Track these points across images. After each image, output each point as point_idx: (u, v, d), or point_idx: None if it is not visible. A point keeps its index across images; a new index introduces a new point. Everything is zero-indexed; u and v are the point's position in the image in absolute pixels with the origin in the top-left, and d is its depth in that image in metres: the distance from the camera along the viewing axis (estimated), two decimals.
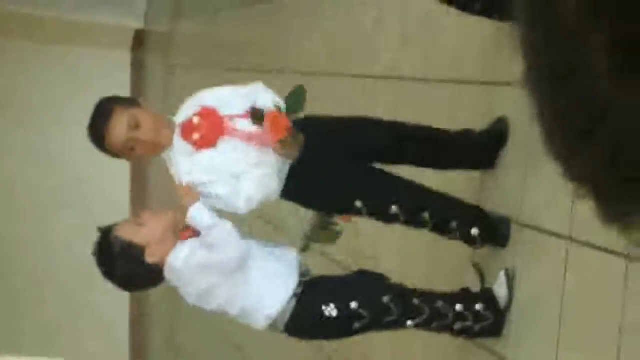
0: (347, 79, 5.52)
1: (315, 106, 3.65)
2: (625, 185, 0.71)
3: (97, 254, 3.43)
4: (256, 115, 3.47)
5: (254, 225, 5.87)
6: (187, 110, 3.58)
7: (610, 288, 3.00)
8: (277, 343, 3.76)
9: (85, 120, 3.58)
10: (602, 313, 3.06)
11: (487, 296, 3.53)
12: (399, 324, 3.44)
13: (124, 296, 10.27)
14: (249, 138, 3.48)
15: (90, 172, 12.07)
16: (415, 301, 3.43)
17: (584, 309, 3.16)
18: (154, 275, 3.42)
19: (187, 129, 3.52)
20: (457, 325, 3.47)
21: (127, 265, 3.37)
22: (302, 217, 3.60)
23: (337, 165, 3.55)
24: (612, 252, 2.98)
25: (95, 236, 3.45)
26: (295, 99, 3.51)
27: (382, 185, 3.54)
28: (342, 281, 3.54)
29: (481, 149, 3.69)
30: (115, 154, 3.55)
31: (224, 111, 3.53)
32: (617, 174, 0.71)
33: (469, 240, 3.57)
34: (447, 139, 3.69)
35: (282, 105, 3.52)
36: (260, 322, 3.43)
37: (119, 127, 3.47)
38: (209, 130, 3.50)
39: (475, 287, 3.63)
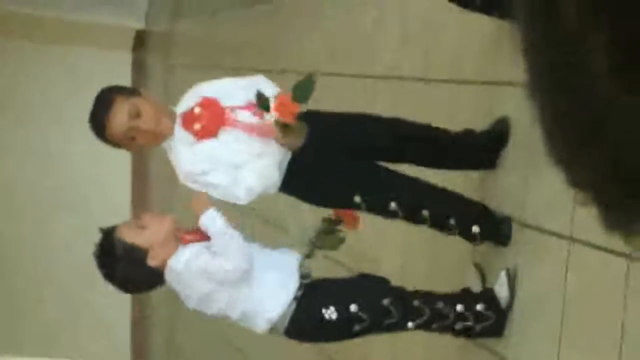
0: (347, 78, 5.52)
1: (315, 106, 3.64)
2: (627, 191, 0.71)
3: (98, 256, 3.42)
4: (262, 101, 3.45)
5: (255, 225, 5.87)
6: (188, 101, 3.59)
7: (611, 287, 3.00)
8: (278, 345, 3.76)
9: (86, 120, 3.58)
10: (603, 312, 3.05)
11: (488, 296, 3.52)
12: (399, 326, 3.44)
13: (125, 298, 10.26)
14: (250, 129, 3.48)
15: (91, 172, 12.08)
16: (416, 303, 3.42)
17: (585, 309, 3.16)
18: (155, 278, 3.41)
19: (188, 119, 3.52)
20: (458, 326, 3.46)
21: (128, 268, 3.36)
22: (305, 220, 3.59)
23: (337, 160, 3.54)
24: (613, 252, 2.97)
25: (95, 236, 3.44)
26: (303, 88, 3.46)
27: (382, 181, 3.54)
28: (342, 284, 3.53)
29: (482, 149, 3.69)
30: (116, 143, 3.55)
31: (225, 102, 3.53)
32: (619, 179, 0.70)
33: (469, 237, 3.56)
34: (448, 139, 3.68)
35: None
36: (261, 325, 3.42)
37: (120, 116, 3.47)
38: (210, 121, 3.50)
39: (477, 288, 3.63)
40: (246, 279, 3.36)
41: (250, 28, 7.91)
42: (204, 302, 3.40)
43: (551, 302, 3.29)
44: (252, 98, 3.50)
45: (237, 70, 6.68)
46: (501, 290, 3.50)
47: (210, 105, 3.53)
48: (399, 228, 3.81)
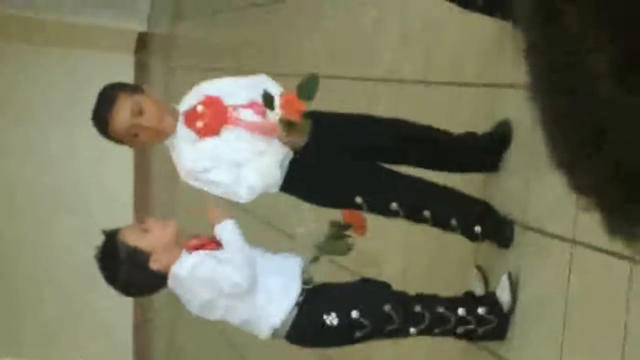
0: (348, 81, 5.51)
1: (316, 108, 3.63)
2: (628, 196, 0.70)
3: (100, 258, 3.41)
4: (267, 99, 3.45)
5: (256, 228, 5.86)
6: (191, 99, 3.60)
7: (614, 290, 2.99)
8: (279, 348, 3.75)
9: (87, 121, 3.58)
10: (606, 315, 3.04)
11: (490, 300, 3.51)
12: (401, 333, 3.42)
13: (127, 301, 10.27)
14: (252, 127, 3.48)
15: (91, 173, 12.10)
16: (417, 308, 3.41)
17: (588, 311, 3.15)
18: (156, 282, 3.41)
19: (191, 117, 3.52)
20: (460, 330, 3.45)
21: (131, 271, 3.35)
22: (309, 223, 3.58)
23: (339, 160, 3.54)
24: (616, 255, 2.96)
25: (96, 238, 3.44)
26: (308, 86, 3.46)
27: (383, 182, 3.53)
28: (344, 290, 3.51)
29: (484, 151, 3.68)
30: (118, 140, 3.56)
31: (227, 101, 3.54)
32: (619, 182, 0.70)
33: (471, 237, 3.56)
34: (450, 141, 3.68)
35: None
36: (264, 331, 3.41)
37: (122, 113, 3.47)
38: (213, 119, 3.50)
39: (479, 290, 3.62)
40: (245, 297, 3.35)
41: (251, 29, 7.91)
42: (205, 309, 3.39)
43: (553, 304, 3.28)
44: (255, 97, 3.50)
45: (237, 72, 6.68)
46: (503, 295, 3.49)
47: (213, 103, 3.53)
48: (400, 227, 3.80)
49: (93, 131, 3.60)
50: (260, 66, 3.76)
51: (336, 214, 3.58)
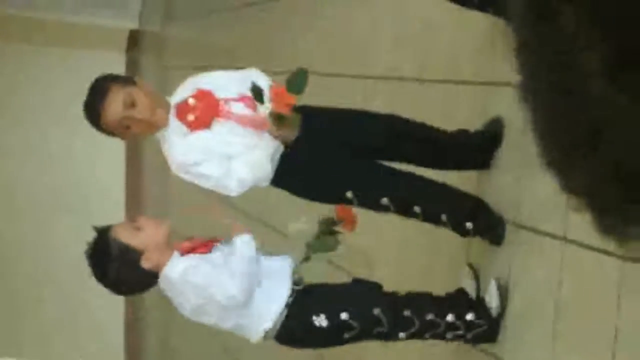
0: (343, 79, 5.51)
1: (309, 105, 3.62)
2: (626, 196, 0.70)
3: (91, 255, 3.40)
4: (257, 93, 3.45)
5: (248, 225, 5.85)
6: (183, 92, 3.59)
7: (605, 288, 2.99)
8: (272, 348, 3.74)
9: (85, 121, 3.57)
10: (597, 313, 3.05)
11: (479, 306, 3.51)
12: (390, 337, 3.42)
13: (118, 299, 10.25)
14: (243, 121, 3.48)
15: (90, 173, 12.08)
16: (406, 313, 3.40)
17: (579, 309, 3.15)
18: (147, 280, 3.40)
19: (182, 110, 3.52)
20: (449, 335, 3.45)
21: (122, 268, 3.34)
22: (300, 221, 3.57)
23: (330, 154, 3.54)
24: (607, 253, 2.97)
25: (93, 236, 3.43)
26: (297, 80, 3.47)
27: (374, 177, 3.53)
28: (334, 291, 3.50)
29: (475, 149, 3.68)
30: (110, 132, 3.55)
31: (219, 94, 3.54)
32: (618, 182, 0.70)
33: (462, 233, 3.56)
34: (443, 139, 3.68)
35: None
36: (255, 336, 3.40)
37: (115, 105, 3.47)
38: (204, 112, 3.50)
39: (470, 288, 3.62)
40: (237, 310, 3.35)
41: (246, 28, 7.89)
42: (196, 313, 3.38)
43: (545, 302, 3.28)
44: (246, 91, 3.50)
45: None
46: (491, 301, 3.49)
47: (204, 96, 3.53)
48: (393, 222, 3.79)
49: (92, 130, 3.59)
50: (255, 65, 3.75)
51: (327, 210, 3.58)
